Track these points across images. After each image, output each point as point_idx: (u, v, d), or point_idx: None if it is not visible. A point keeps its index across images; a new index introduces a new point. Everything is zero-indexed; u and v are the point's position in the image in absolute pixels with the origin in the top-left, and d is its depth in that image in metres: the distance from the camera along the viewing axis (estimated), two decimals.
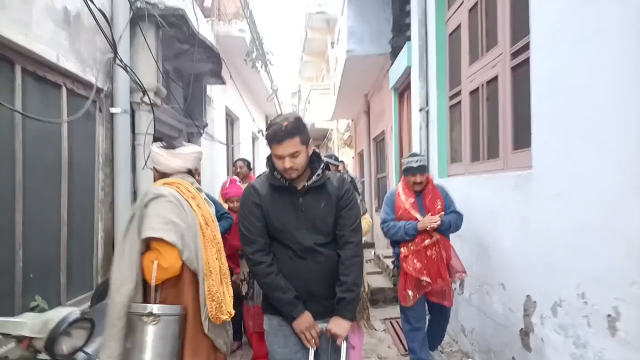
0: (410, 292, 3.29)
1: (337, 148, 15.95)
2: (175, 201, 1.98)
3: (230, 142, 10.07)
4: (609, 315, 2.06)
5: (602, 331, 2.11)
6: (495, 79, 3.46)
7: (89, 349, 1.78)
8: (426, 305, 3.45)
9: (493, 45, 3.50)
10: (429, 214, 3.27)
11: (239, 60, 8.82)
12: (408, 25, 6.14)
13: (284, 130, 1.91)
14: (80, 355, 1.71)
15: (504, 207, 3.13)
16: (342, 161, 9.20)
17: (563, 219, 2.41)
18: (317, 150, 2.12)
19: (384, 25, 7.39)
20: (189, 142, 6.34)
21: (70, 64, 3.07)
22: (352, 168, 13.65)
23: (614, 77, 2.01)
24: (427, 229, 3.21)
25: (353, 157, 14.11)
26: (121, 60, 3.40)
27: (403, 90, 6.80)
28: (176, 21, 4.12)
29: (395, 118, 7.36)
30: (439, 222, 3.18)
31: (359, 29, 7.49)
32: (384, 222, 3.44)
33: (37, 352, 1.60)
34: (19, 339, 1.60)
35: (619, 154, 1.98)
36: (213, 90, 7.72)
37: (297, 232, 2.03)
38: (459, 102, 4.28)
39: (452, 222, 3.29)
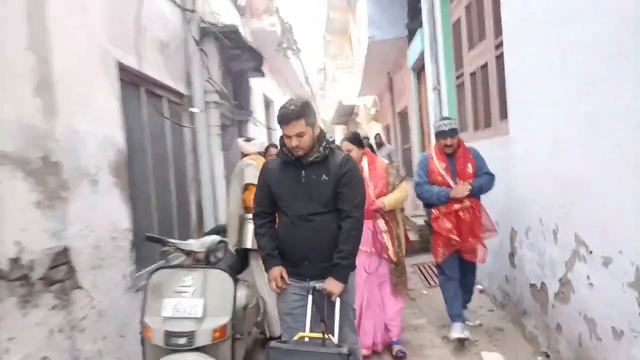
0: (440, 250, 3.58)
1: (365, 123, 16.87)
2: (254, 166, 3.52)
3: (267, 122, 11.24)
4: (553, 230, 3.10)
5: (551, 242, 3.15)
6: (485, 65, 4.40)
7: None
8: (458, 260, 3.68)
9: (483, 38, 4.43)
10: (461, 182, 3.49)
11: (271, 50, 9.86)
12: (421, 10, 7.01)
13: (291, 113, 2.16)
14: (220, 264, 2.91)
15: (495, 164, 4.12)
16: (378, 134, 10.01)
17: (525, 168, 3.44)
18: (325, 131, 2.42)
19: (399, 10, 8.23)
20: (239, 128, 7.52)
21: (167, 81, 4.23)
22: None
23: (556, 72, 2.99)
24: (458, 197, 3.45)
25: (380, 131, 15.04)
26: (213, 80, 4.59)
27: (420, 69, 7.71)
28: (231, 35, 5.21)
29: (415, 95, 8.30)
30: (468, 192, 3.43)
31: (378, 15, 8.37)
32: (417, 185, 3.69)
33: (198, 261, 2.79)
34: (188, 253, 2.78)
35: (555, 124, 2.98)
36: (252, 80, 8.84)
37: (293, 201, 2.30)
38: (463, 83, 5.23)
39: (484, 184, 3.51)
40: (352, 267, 2.34)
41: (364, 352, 3.29)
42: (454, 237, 3.46)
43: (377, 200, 3.38)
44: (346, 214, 2.28)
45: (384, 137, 10.21)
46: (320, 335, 2.14)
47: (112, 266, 2.87)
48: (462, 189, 3.43)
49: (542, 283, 3.37)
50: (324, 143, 2.32)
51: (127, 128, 3.34)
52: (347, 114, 20.74)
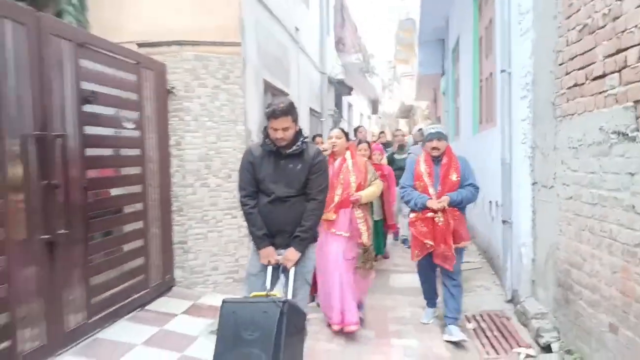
0: (416, 251, 3.69)
1: (420, 120, 21.84)
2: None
3: (349, 119, 16.75)
4: None
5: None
6: (460, 107, 9.47)
7: None
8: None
9: (459, 94, 9.50)
10: (438, 198, 3.49)
11: (354, 73, 15.27)
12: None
13: (280, 110, 2.54)
14: None
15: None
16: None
17: None
18: (301, 128, 2.77)
19: (438, 57, 13.25)
20: (335, 125, 13.01)
21: (315, 107, 9.73)
22: None
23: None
24: (434, 208, 3.46)
25: None
26: (336, 111, 10.12)
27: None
28: (341, 82, 10.69)
29: (444, 110, 13.36)
30: (444, 205, 3.45)
31: (425, 59, 13.44)
32: (402, 187, 3.81)
33: None
34: None
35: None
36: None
37: (273, 185, 2.70)
38: (458, 109, 10.31)
39: (464, 197, 3.50)
40: (310, 240, 2.79)
41: (335, 327, 3.56)
42: (428, 241, 3.55)
43: (355, 194, 3.67)
44: (312, 197, 2.75)
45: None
46: (269, 293, 2.59)
47: None
48: (438, 202, 3.48)
49: None
50: (301, 139, 2.74)
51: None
52: (407, 111, 25.67)
